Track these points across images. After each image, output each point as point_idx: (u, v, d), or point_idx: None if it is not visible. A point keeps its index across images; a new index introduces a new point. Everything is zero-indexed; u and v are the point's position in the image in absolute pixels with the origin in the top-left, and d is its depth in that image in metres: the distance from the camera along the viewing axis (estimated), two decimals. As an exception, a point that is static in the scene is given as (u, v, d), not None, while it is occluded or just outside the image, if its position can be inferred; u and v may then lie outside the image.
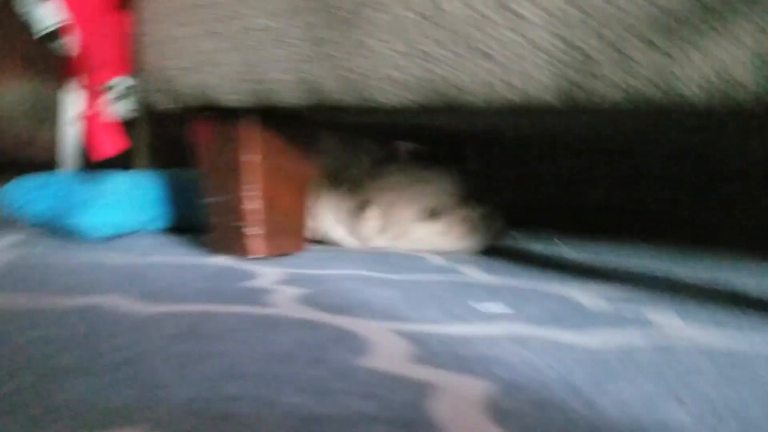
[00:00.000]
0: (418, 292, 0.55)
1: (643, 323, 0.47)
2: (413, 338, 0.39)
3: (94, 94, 1.09)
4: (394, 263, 0.72)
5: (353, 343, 0.38)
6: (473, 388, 0.31)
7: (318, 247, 0.83)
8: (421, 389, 0.30)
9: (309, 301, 0.48)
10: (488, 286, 0.60)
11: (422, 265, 0.72)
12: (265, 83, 0.61)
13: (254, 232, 0.68)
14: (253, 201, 0.68)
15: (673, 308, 0.52)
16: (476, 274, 0.67)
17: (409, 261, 0.74)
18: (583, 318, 0.47)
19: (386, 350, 0.37)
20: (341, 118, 0.68)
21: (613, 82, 0.46)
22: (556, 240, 1.03)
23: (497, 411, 0.28)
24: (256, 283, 0.55)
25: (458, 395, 0.30)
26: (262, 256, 0.69)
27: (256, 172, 0.68)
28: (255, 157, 0.68)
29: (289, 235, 0.74)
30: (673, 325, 0.47)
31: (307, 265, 0.67)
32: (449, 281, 0.61)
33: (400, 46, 0.53)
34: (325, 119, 0.72)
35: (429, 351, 0.37)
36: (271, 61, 0.60)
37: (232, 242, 0.69)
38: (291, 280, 0.57)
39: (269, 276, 0.58)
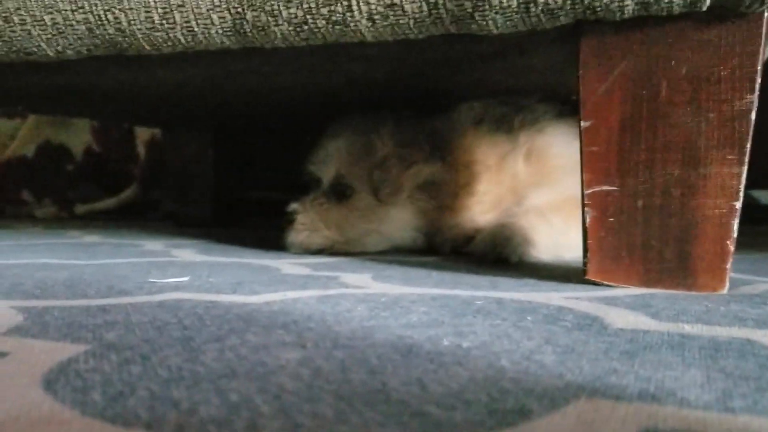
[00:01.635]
0: (95, 273, 0.47)
1: (331, 281, 0.44)
2: (30, 312, 0.33)
3: None
4: (100, 251, 0.63)
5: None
6: (52, 354, 0.25)
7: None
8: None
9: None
10: (191, 264, 0.54)
11: (134, 251, 0.64)
12: None
13: None
14: None
15: (369, 271, 0.51)
16: (188, 255, 0.60)
17: (120, 249, 0.66)
18: (269, 283, 0.43)
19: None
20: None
21: (288, 17, 0.42)
22: None
23: (56, 377, 0.22)
24: None
25: (26, 363, 0.24)
26: None
27: None
28: None
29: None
30: (360, 281, 0.45)
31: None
32: (147, 262, 0.54)
33: (54, -16, 0.45)
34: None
35: (37, 323, 0.30)
36: None
37: None
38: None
39: None
